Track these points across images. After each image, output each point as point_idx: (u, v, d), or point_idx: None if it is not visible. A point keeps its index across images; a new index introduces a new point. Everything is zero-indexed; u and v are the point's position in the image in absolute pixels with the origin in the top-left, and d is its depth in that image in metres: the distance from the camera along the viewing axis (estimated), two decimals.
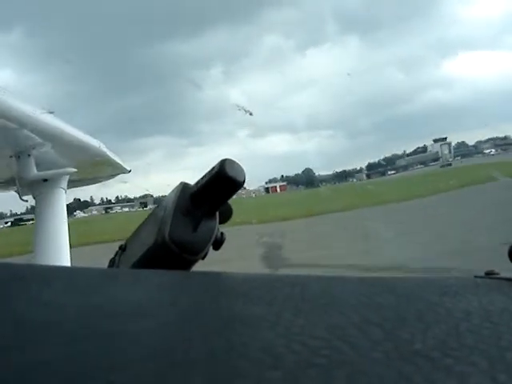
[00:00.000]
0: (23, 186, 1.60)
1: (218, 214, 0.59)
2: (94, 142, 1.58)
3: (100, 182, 2.08)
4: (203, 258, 0.58)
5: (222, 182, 0.53)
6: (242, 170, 0.54)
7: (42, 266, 0.90)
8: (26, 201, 1.68)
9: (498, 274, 0.45)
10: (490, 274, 0.45)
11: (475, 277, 0.45)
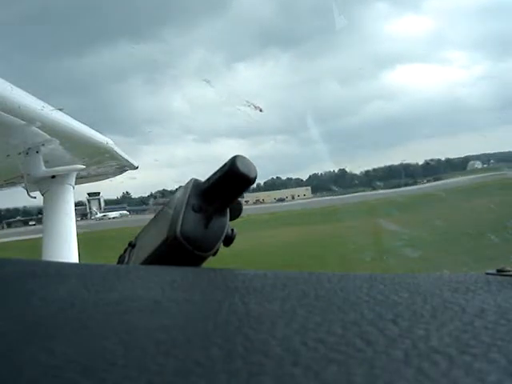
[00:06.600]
0: (31, 182, 1.61)
1: (228, 210, 0.59)
2: (102, 139, 1.59)
3: (107, 178, 2.09)
4: (214, 255, 0.58)
5: (234, 179, 0.53)
6: (254, 167, 0.54)
7: (54, 262, 0.91)
8: (34, 197, 1.69)
9: (509, 271, 0.45)
10: (501, 271, 0.45)
11: (486, 274, 0.45)
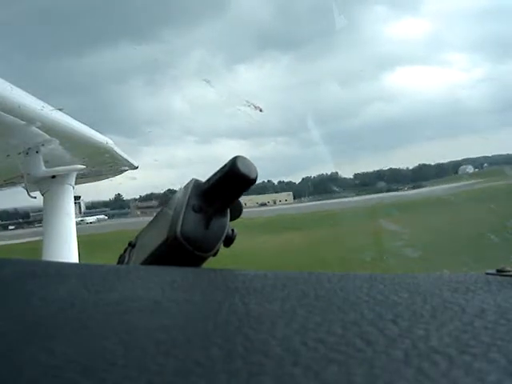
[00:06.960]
0: (31, 182, 1.61)
1: (228, 210, 0.59)
2: (102, 139, 1.59)
3: (107, 178, 2.09)
4: (214, 255, 0.58)
5: (234, 179, 0.54)
6: (254, 167, 0.54)
7: (54, 262, 0.91)
8: (34, 197, 1.69)
9: (509, 271, 0.45)
10: (501, 271, 0.45)
11: (486, 274, 0.45)
